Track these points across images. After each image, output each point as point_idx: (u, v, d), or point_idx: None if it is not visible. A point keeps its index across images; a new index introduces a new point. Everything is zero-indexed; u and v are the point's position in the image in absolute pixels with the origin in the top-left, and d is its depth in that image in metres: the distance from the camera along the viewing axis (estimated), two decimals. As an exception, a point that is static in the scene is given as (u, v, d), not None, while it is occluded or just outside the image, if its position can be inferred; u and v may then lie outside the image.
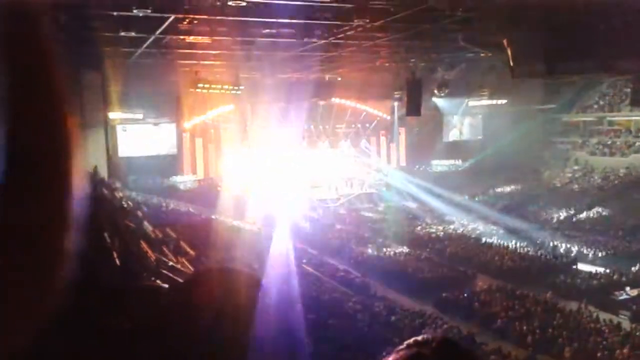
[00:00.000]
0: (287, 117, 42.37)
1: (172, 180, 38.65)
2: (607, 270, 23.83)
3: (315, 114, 43.15)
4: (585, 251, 27.32)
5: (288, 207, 39.31)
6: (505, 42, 18.49)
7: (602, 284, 22.32)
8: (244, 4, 14.27)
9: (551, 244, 28.70)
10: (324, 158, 44.48)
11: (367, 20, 17.36)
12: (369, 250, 28.13)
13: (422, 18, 17.01)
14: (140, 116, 36.28)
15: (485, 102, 40.28)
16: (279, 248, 28.24)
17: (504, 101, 40.77)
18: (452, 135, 47.96)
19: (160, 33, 18.42)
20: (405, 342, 1.12)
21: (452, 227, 33.81)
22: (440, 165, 46.74)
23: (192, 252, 14.60)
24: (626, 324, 18.23)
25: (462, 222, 34.88)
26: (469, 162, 46.59)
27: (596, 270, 24.03)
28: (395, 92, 35.34)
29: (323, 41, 20.70)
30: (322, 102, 42.00)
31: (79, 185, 0.81)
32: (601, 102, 41.31)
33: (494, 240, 30.25)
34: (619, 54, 16.50)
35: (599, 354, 15.76)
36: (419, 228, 33.85)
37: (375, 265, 25.66)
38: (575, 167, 40.36)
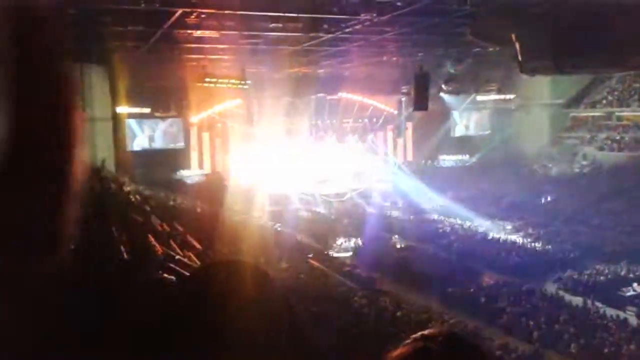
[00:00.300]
0: (294, 112, 42.39)
1: (179, 175, 38.74)
2: (615, 267, 23.73)
3: (322, 109, 43.09)
4: (592, 247, 27.19)
5: (295, 201, 39.41)
6: (513, 36, 18.39)
7: (609, 280, 22.24)
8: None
9: (558, 240, 28.60)
10: (331, 153, 44.44)
11: (374, 15, 17.32)
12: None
13: (430, 12, 16.94)
14: (147, 110, 36.34)
15: (493, 97, 40.07)
16: (284, 241, 28.37)
17: (512, 96, 40.56)
18: (459, 130, 47.81)
19: (168, 27, 18.43)
20: (412, 336, 1.13)
21: (458, 221, 33.71)
22: (447, 160, 46.64)
23: (198, 246, 14.65)
24: (633, 320, 18.17)
25: (468, 217, 34.83)
26: (477, 157, 46.48)
27: (603, 266, 23.94)
28: (403, 87, 35.21)
29: (330, 35, 20.66)
30: (329, 97, 41.94)
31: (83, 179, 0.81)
32: (610, 98, 41.02)
33: (502, 235, 30.20)
34: (628, 50, 16.38)
35: (605, 350, 15.72)
36: (425, 222, 33.80)
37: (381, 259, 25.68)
38: (584, 163, 40.13)
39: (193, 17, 17.21)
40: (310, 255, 25.32)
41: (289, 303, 1.24)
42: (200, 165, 40.88)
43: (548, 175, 40.60)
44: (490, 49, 24.73)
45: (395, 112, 45.76)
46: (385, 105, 45.25)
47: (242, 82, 28.10)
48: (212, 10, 16.53)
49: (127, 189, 22.52)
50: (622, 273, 22.82)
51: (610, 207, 33.69)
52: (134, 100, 33.96)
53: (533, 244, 28.05)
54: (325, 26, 19.37)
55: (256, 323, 1.13)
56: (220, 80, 27.74)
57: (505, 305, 19.44)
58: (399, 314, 17.86)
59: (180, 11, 16.34)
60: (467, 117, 47.47)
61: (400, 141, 47.17)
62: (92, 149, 28.22)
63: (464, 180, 41.68)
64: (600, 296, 20.23)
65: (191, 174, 39.45)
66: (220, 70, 28.92)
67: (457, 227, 32.86)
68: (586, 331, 16.88)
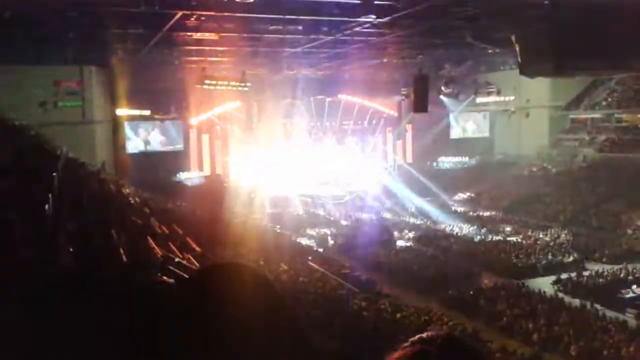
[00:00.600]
0: (293, 114, 42.45)
1: (179, 177, 38.78)
2: (614, 268, 23.72)
3: (321, 111, 43.15)
4: (591, 249, 27.19)
5: (294, 203, 39.43)
6: (513, 39, 18.42)
7: (608, 282, 22.23)
8: (251, 0, 14.28)
9: (557, 241, 28.60)
10: (330, 155, 44.49)
11: (374, 17, 17.34)
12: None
13: (430, 14, 16.96)
14: (147, 112, 36.39)
15: (493, 99, 40.11)
16: (284, 243, 28.37)
17: (512, 98, 40.60)
18: (458, 132, 47.87)
19: (168, 30, 18.46)
20: (410, 340, 1.13)
21: (457, 224, 33.72)
22: (447, 162, 46.71)
23: (198, 249, 14.62)
24: (632, 322, 18.15)
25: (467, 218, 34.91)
26: (476, 159, 46.55)
27: (603, 268, 23.93)
28: (402, 89, 35.25)
29: (330, 38, 20.68)
30: (328, 99, 41.99)
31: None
32: (609, 99, 41.04)
33: (500, 237, 30.20)
34: (628, 52, 16.41)
35: (605, 352, 15.70)
36: (424, 225, 33.81)
37: (381, 262, 25.72)
38: (583, 165, 40.14)
39: (193, 19, 17.24)
40: (310, 258, 25.30)
41: (288, 306, 1.24)
42: (200, 168, 40.92)
43: (547, 177, 40.61)
44: (490, 51, 24.77)
45: (395, 114, 45.85)
46: (384, 107, 45.34)
47: (242, 84, 28.13)
48: (212, 13, 16.56)
49: (126, 191, 22.49)
50: (622, 275, 22.81)
51: (609, 208, 33.71)
52: (133, 102, 34.01)
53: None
54: (325, 28, 19.40)
55: (254, 326, 1.12)
56: (219, 83, 27.76)
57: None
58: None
59: (180, 13, 16.37)
60: (467, 119, 47.54)
61: (399, 143, 47.24)
62: (91, 151, 28.26)
63: (462, 182, 41.77)
64: (599, 298, 20.21)
65: (191, 176, 39.48)
66: (220, 73, 28.95)
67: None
68: (586, 333, 16.90)
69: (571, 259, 25.61)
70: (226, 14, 16.47)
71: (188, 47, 23.03)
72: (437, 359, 1.08)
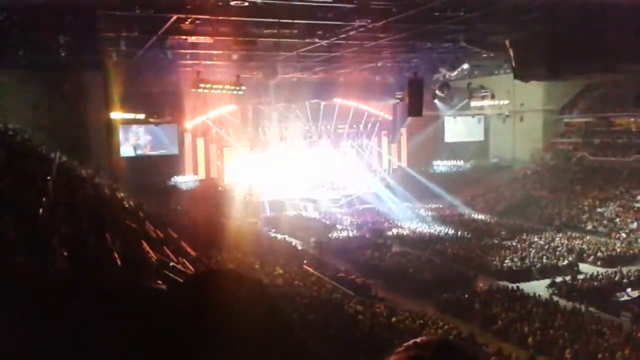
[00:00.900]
0: (288, 118, 42.47)
1: (174, 180, 38.70)
2: (609, 271, 23.80)
3: (316, 114, 43.18)
4: (587, 252, 27.27)
5: (289, 207, 39.43)
6: (507, 43, 18.49)
7: (603, 285, 22.29)
8: (246, 4, 14.28)
9: (552, 245, 28.66)
10: (325, 158, 44.52)
11: (369, 21, 17.38)
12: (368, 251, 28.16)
13: (424, 18, 17.01)
14: (142, 116, 36.29)
15: (487, 102, 40.24)
16: (279, 247, 28.35)
17: (506, 102, 40.74)
18: (453, 135, 47.99)
19: (163, 33, 18.44)
20: (404, 345, 1.12)
21: (452, 227, 33.75)
22: (441, 165, 46.81)
23: (193, 253, 14.59)
24: (627, 325, 18.19)
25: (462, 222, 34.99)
26: (470, 163, 46.68)
27: (597, 271, 24.00)
28: (397, 93, 35.32)
29: (325, 41, 20.70)
30: (323, 103, 42.01)
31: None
32: (603, 103, 41.23)
33: (495, 240, 30.25)
34: (621, 55, 16.48)
35: (600, 356, 15.73)
36: (419, 229, 33.83)
37: (376, 266, 25.73)
38: (577, 168, 40.29)
39: (188, 23, 17.23)
40: (305, 261, 25.26)
41: (283, 312, 1.24)
42: (195, 171, 40.85)
43: (542, 181, 40.74)
44: (484, 55, 24.85)
45: (390, 117, 45.93)
46: (379, 110, 45.42)
47: (237, 87, 28.08)
48: (207, 16, 16.56)
49: (120, 194, 22.42)
50: (616, 278, 22.87)
51: (604, 211, 33.85)
52: (128, 106, 33.90)
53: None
54: (320, 32, 19.41)
55: (248, 332, 1.12)
56: (214, 86, 27.70)
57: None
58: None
59: (174, 17, 16.36)
60: (461, 122, 47.66)
61: (394, 147, 47.31)
62: (85, 155, 28.14)
63: (456, 186, 41.84)
64: (594, 301, 20.26)
65: (185, 180, 39.40)
66: (214, 76, 28.91)
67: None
68: (580, 336, 16.92)
69: (566, 262, 25.68)
70: (221, 17, 16.47)
71: (183, 51, 23.01)
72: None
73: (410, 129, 46.08)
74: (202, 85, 27.12)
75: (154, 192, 31.30)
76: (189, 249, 14.75)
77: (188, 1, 15.18)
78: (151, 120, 37.08)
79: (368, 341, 14.78)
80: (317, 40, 20.51)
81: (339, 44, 21.57)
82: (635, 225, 31.18)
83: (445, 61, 27.95)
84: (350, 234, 32.57)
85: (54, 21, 16.86)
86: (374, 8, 15.99)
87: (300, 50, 22.64)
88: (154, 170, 37.02)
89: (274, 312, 1.20)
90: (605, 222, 32.73)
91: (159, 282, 6.07)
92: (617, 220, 32.49)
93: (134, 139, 38.58)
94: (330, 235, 31.86)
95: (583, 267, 25.41)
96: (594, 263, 26.08)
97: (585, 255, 26.97)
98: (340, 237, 31.58)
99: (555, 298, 21.20)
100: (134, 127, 38.25)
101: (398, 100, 36.80)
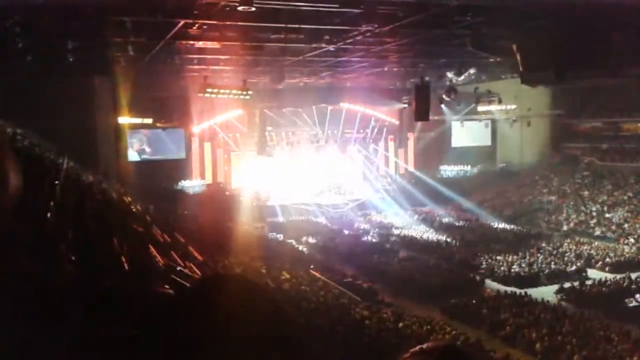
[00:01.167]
0: (295, 122, 42.54)
1: (181, 185, 38.81)
2: (617, 277, 23.65)
3: (323, 119, 43.22)
4: (595, 258, 27.11)
5: (296, 212, 39.43)
6: (514, 47, 18.44)
7: (611, 291, 22.15)
8: (253, 9, 14.32)
9: (560, 250, 28.52)
10: (332, 163, 44.54)
11: (376, 26, 17.38)
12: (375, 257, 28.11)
13: (431, 23, 16.99)
14: (149, 121, 36.46)
15: (494, 107, 40.13)
16: (285, 252, 28.34)
17: (513, 106, 40.61)
18: (460, 140, 47.88)
19: (170, 38, 18.52)
20: (411, 350, 1.12)
21: (459, 232, 33.67)
22: (448, 170, 46.69)
23: (200, 257, 14.60)
24: (636, 332, 18.04)
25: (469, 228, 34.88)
26: (477, 168, 46.53)
27: (606, 277, 23.85)
28: (404, 97, 35.30)
29: (331, 46, 20.73)
30: (330, 107, 42.05)
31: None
32: (611, 108, 41.04)
33: (503, 246, 30.13)
34: (629, 59, 16.42)
35: (608, 362, 15.63)
36: (426, 234, 33.77)
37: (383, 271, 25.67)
38: (585, 173, 40.10)
39: (195, 28, 17.29)
40: (312, 266, 25.24)
41: (289, 318, 1.24)
42: (202, 176, 40.97)
43: (550, 186, 40.56)
44: (492, 60, 24.80)
45: (397, 122, 45.89)
46: (386, 115, 45.40)
47: (244, 92, 28.15)
48: (214, 22, 16.61)
49: (128, 199, 22.48)
50: (625, 284, 22.72)
51: (612, 217, 33.66)
52: (136, 110, 34.07)
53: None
54: (327, 37, 19.43)
55: (254, 338, 1.12)
56: (221, 91, 27.79)
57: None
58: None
59: (182, 22, 16.43)
60: (468, 127, 47.56)
61: (401, 151, 47.26)
62: (93, 159, 28.25)
63: (464, 190, 41.73)
64: (602, 307, 20.13)
65: (193, 184, 39.51)
66: (221, 81, 29.02)
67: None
68: (589, 343, 16.80)
69: (574, 268, 25.53)
70: (228, 22, 16.52)
71: (190, 56, 23.10)
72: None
73: (418, 134, 46.06)
74: (209, 90, 27.21)
75: (161, 197, 31.36)
76: (196, 254, 14.76)
77: (195, 7, 15.24)
78: (159, 124, 37.25)
79: (375, 346, 14.74)
80: (323, 45, 20.53)
81: (345, 48, 21.58)
82: (643, 230, 30.99)
83: (452, 66, 27.92)
84: (357, 239, 32.53)
85: (62, 27, 16.98)
86: (381, 13, 16.00)
87: (307, 55, 22.67)
88: (161, 175, 37.14)
89: (279, 318, 1.20)
90: (613, 227, 32.54)
91: (166, 286, 6.08)
92: (626, 225, 32.29)
93: (137, 146, 38.73)
94: (336, 240, 31.84)
95: (591, 272, 25.27)
96: (602, 269, 25.92)
97: (593, 260, 26.82)
98: (347, 242, 31.55)
99: (564, 304, 21.09)
100: (137, 135, 38.36)
101: (405, 105, 36.81)
